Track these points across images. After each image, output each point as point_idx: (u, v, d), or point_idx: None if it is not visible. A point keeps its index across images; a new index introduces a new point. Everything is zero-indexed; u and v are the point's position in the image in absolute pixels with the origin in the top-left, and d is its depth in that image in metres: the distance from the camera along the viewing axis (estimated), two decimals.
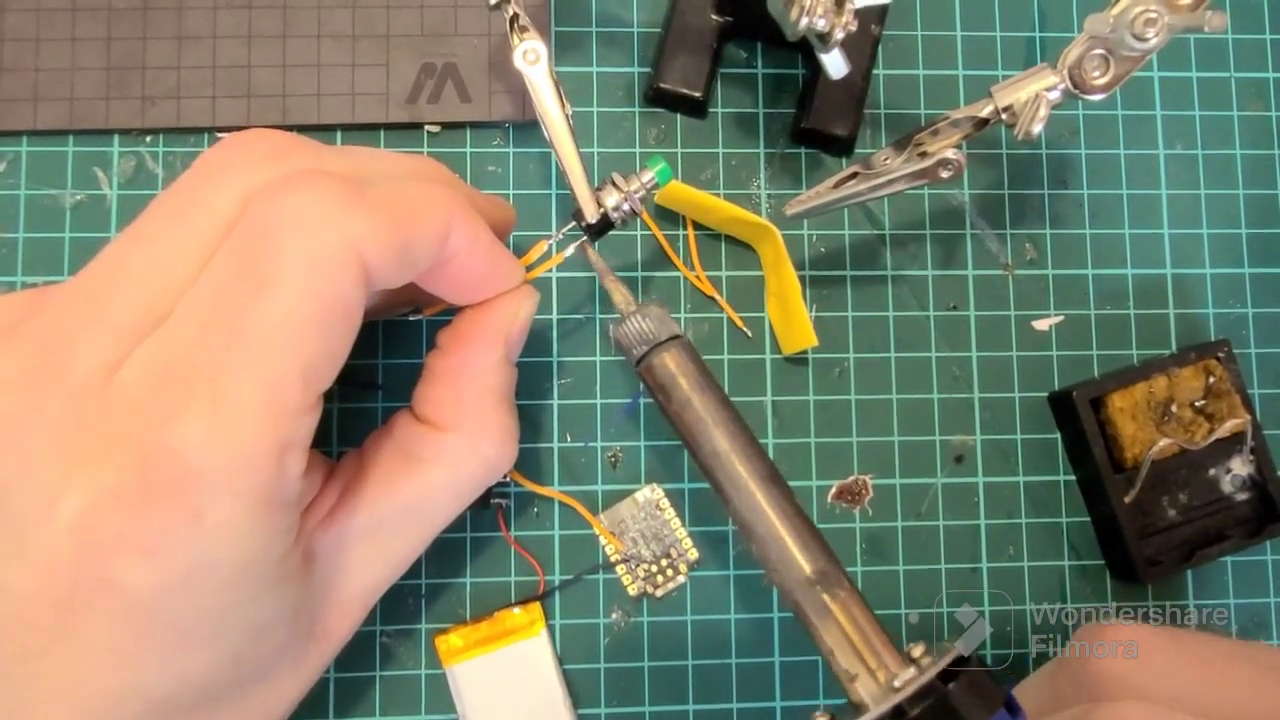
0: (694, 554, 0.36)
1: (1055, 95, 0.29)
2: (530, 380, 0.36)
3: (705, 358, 0.36)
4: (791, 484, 0.36)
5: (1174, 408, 0.36)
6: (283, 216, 0.22)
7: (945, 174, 0.30)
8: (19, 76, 0.35)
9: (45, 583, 0.21)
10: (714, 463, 0.27)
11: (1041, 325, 0.38)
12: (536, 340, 0.36)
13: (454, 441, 0.27)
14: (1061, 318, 0.38)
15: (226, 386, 0.21)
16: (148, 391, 0.21)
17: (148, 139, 0.36)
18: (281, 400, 0.22)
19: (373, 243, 0.22)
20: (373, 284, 0.23)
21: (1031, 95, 0.29)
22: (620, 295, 0.30)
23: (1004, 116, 0.30)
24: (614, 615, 0.36)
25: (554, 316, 0.37)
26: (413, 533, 0.28)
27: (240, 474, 0.21)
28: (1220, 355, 0.36)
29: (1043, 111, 0.29)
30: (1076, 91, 0.29)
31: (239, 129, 0.36)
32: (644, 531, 0.36)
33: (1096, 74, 0.29)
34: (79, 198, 0.36)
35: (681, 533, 0.36)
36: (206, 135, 0.36)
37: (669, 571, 0.36)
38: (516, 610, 0.35)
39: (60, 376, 0.22)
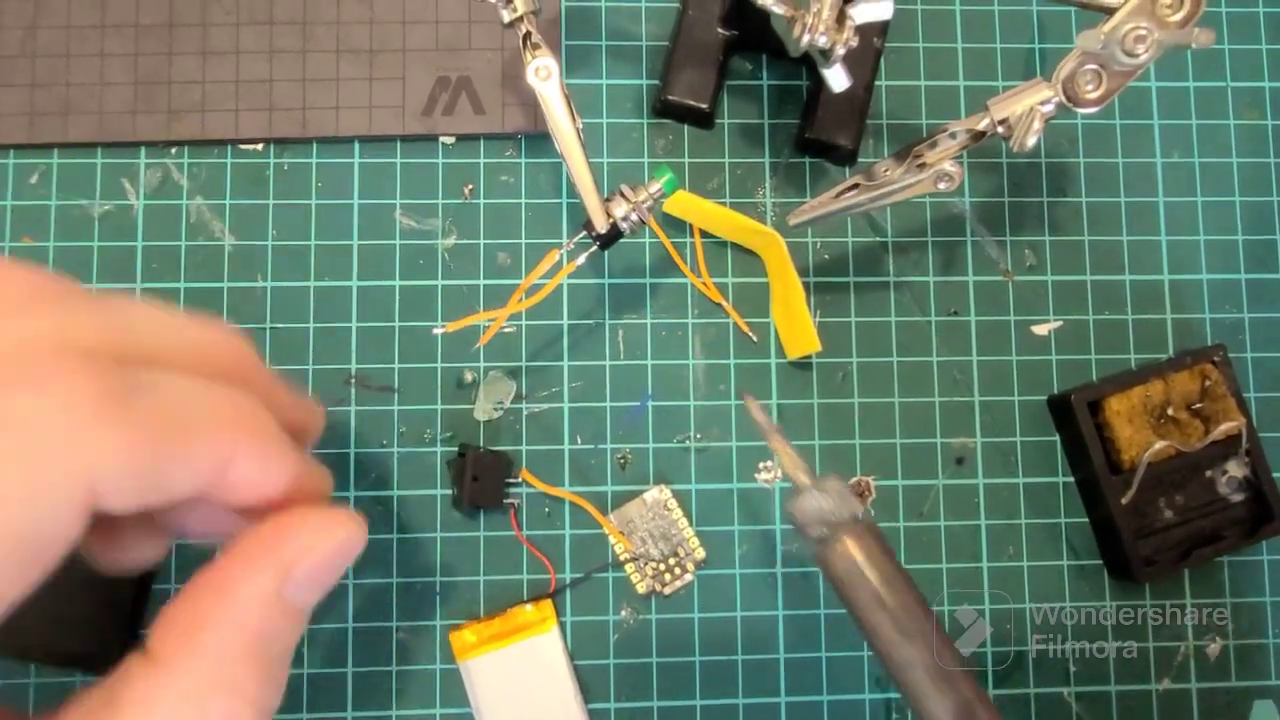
0: (701, 553, 0.37)
1: (1049, 109, 0.30)
2: (543, 384, 0.37)
3: (711, 362, 0.38)
4: None
5: (1170, 411, 0.37)
6: (11, 417, 0.16)
7: (942, 185, 0.31)
8: (50, 91, 0.37)
9: None
10: (901, 674, 0.26)
11: (1041, 330, 0.39)
12: (549, 346, 0.38)
13: (167, 684, 0.19)
14: (1060, 323, 0.39)
15: None
16: None
17: (173, 151, 0.38)
18: None
19: (113, 468, 0.17)
20: (105, 509, 0.18)
21: (1026, 109, 0.30)
22: (792, 461, 0.27)
23: (1000, 129, 0.31)
24: (623, 612, 0.37)
25: (565, 322, 0.38)
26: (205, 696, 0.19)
27: None
28: (1216, 359, 0.37)
29: (1037, 124, 0.30)
30: (1070, 105, 0.30)
31: (261, 140, 0.37)
32: (652, 531, 0.37)
33: (1089, 88, 0.30)
34: (107, 208, 0.37)
35: (689, 532, 0.37)
36: (229, 147, 0.38)
37: (676, 570, 0.37)
38: (529, 607, 0.36)
39: None
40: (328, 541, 0.21)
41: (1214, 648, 0.38)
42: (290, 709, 0.35)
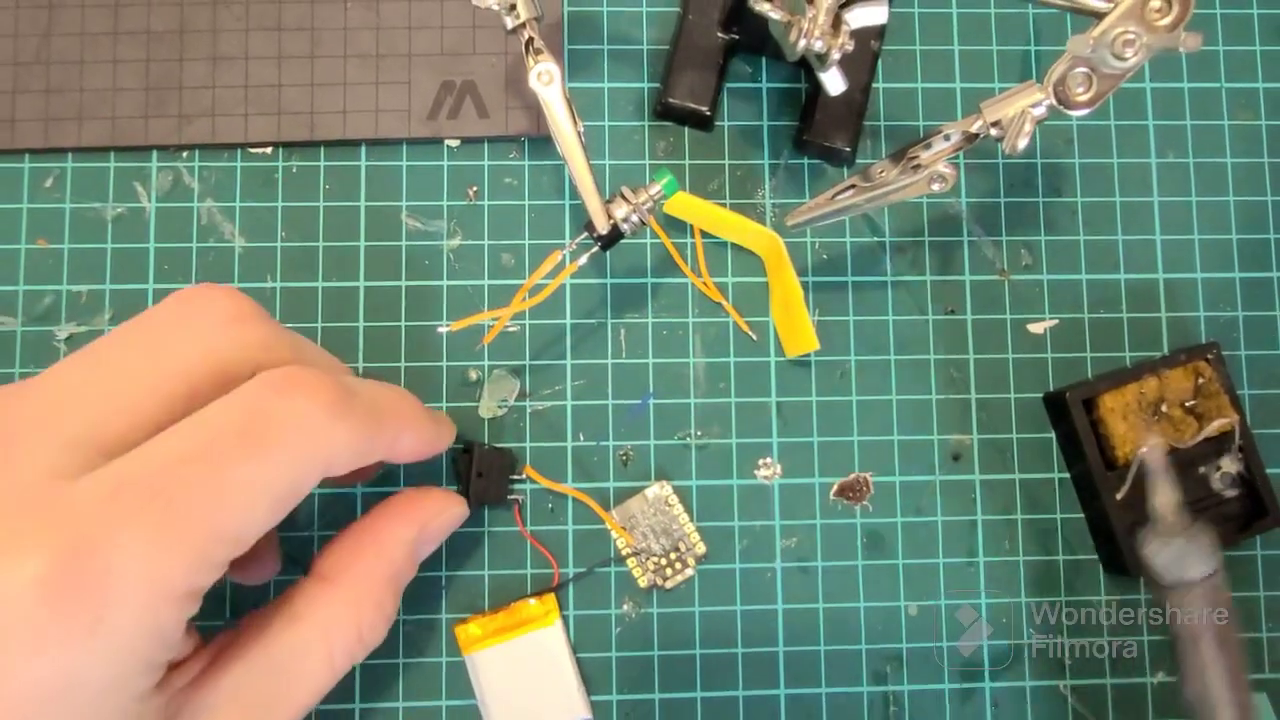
0: (701, 548, 0.37)
1: (1040, 111, 0.31)
2: (546, 383, 0.38)
3: (711, 360, 0.38)
4: (795, 481, 0.38)
5: (1164, 408, 0.37)
6: (289, 409, 0.24)
7: (936, 186, 0.32)
8: (65, 97, 0.38)
9: None
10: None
11: (1037, 329, 0.40)
12: (552, 345, 0.38)
13: (333, 595, 0.27)
14: (1056, 321, 0.40)
15: (178, 515, 0.22)
16: (99, 499, 0.21)
17: (184, 154, 0.38)
18: (215, 549, 0.22)
19: (345, 449, 0.25)
20: (330, 475, 0.25)
21: (1018, 111, 0.30)
22: (1168, 502, 0.29)
23: (993, 131, 0.31)
24: (625, 606, 0.37)
25: (567, 321, 0.38)
26: (280, 701, 0.26)
27: (149, 599, 0.21)
28: (1209, 357, 0.38)
29: (1028, 127, 0.30)
30: (1061, 107, 0.30)
31: (270, 144, 0.38)
32: (653, 526, 0.37)
33: (1080, 90, 0.30)
34: (120, 210, 0.38)
35: (690, 527, 0.37)
36: (239, 150, 0.38)
37: (677, 565, 0.37)
38: (532, 601, 0.36)
39: (9, 472, 0.22)
40: (448, 512, 0.31)
41: None
42: None
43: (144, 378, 0.24)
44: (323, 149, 0.39)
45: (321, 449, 0.24)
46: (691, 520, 0.37)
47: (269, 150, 0.39)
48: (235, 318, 0.25)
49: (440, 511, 0.31)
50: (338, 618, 0.27)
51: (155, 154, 0.38)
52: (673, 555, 0.37)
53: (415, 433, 0.28)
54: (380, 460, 0.29)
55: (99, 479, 0.22)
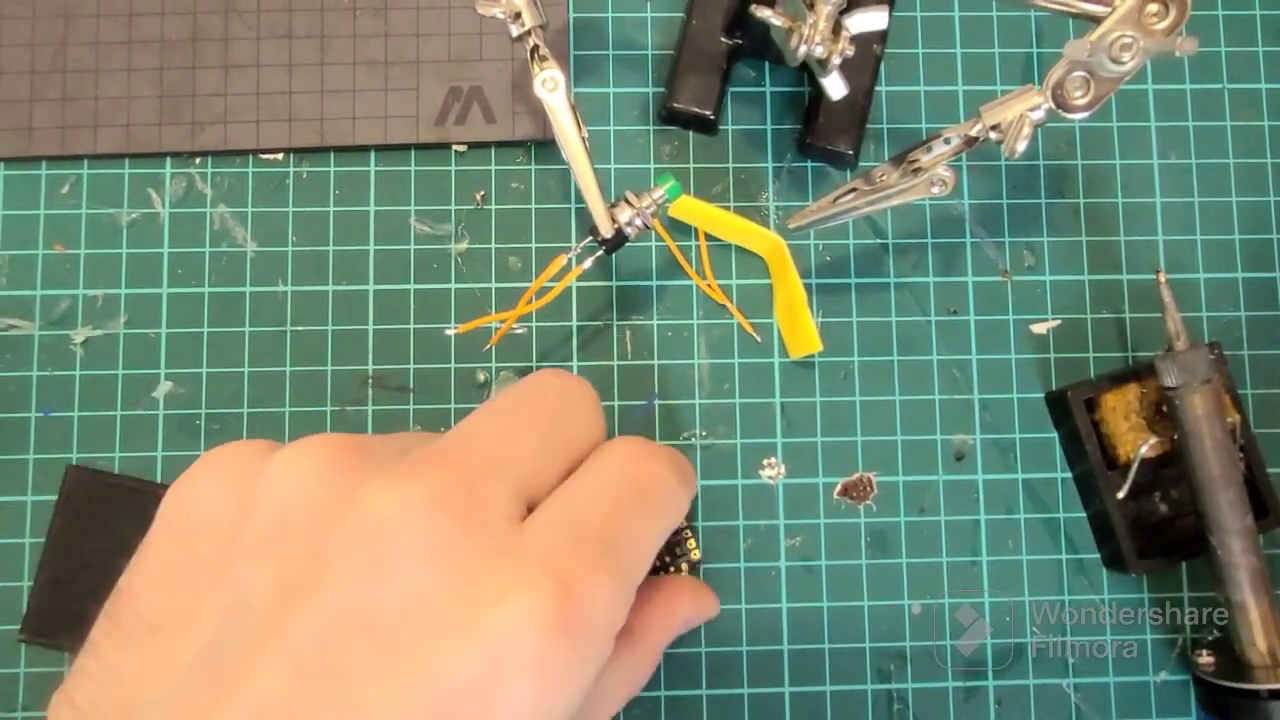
0: (696, 554, 0.37)
1: (1039, 115, 0.31)
2: None
3: (716, 362, 0.39)
4: (799, 481, 0.38)
5: (1165, 408, 0.37)
6: (657, 472, 0.26)
7: (936, 190, 0.32)
8: (80, 105, 0.38)
9: (433, 703, 0.21)
10: (1212, 499, 0.35)
11: (1039, 329, 0.40)
12: (558, 347, 0.39)
13: (637, 654, 0.30)
14: (1058, 322, 0.40)
15: (625, 565, 0.24)
16: (566, 542, 0.23)
17: (197, 161, 0.39)
18: (635, 586, 0.24)
19: (686, 509, 0.27)
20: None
21: (1017, 115, 0.31)
22: (1176, 323, 0.36)
23: (992, 135, 0.32)
24: None
25: (573, 323, 0.39)
26: (645, 667, 0.30)
27: (609, 643, 0.23)
28: (1212, 356, 0.38)
29: (1026, 130, 0.30)
30: (1059, 111, 0.31)
31: (281, 150, 0.39)
32: None
33: (1078, 94, 0.30)
34: (134, 216, 0.39)
35: (687, 532, 0.37)
36: (251, 157, 0.39)
37: (671, 571, 0.37)
38: None
39: (481, 511, 0.23)
40: (712, 612, 0.33)
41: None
42: None
43: (551, 445, 0.26)
44: (333, 155, 0.39)
45: (682, 506, 0.27)
46: (690, 526, 0.38)
47: (280, 156, 0.39)
48: (596, 402, 0.28)
49: (710, 609, 0.33)
50: (636, 669, 0.29)
51: (169, 160, 0.39)
52: (667, 559, 0.37)
53: (691, 604, 0.32)
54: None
55: (558, 527, 0.23)
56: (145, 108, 0.39)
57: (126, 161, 0.39)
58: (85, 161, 0.39)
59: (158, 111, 0.39)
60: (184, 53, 0.39)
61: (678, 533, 0.37)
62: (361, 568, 0.21)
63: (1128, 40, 0.29)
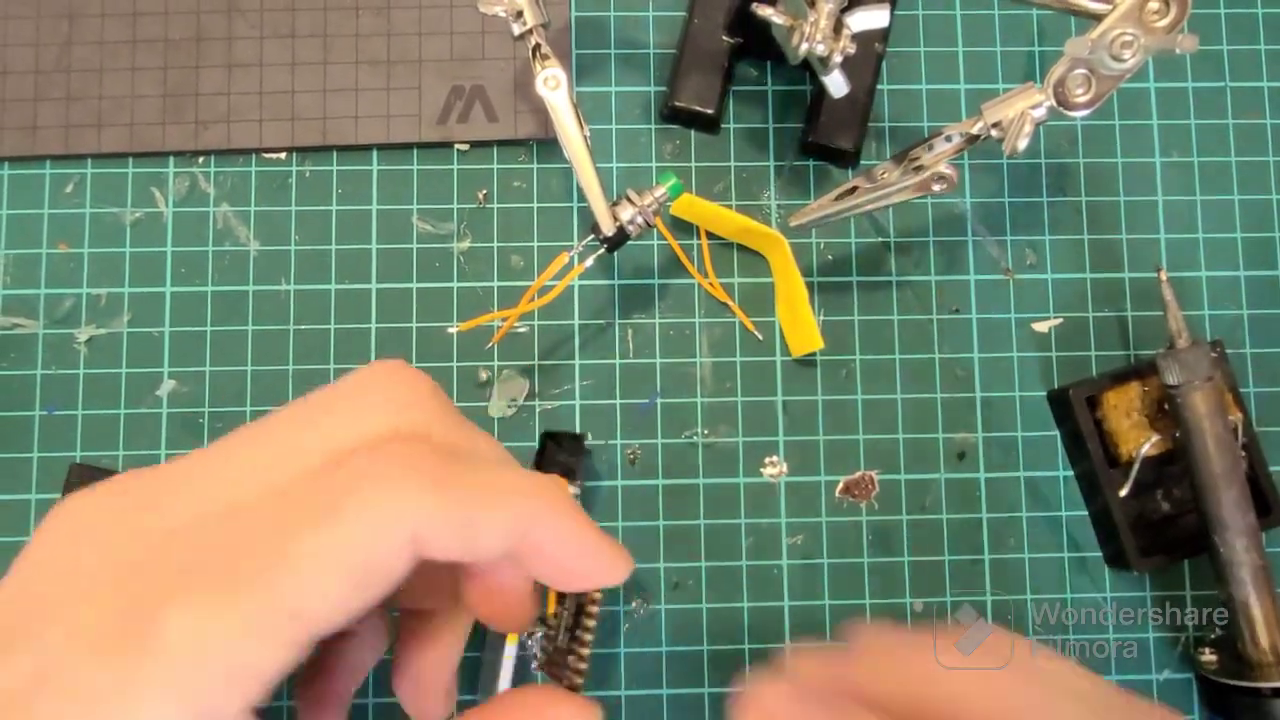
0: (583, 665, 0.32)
1: (1040, 113, 0.31)
2: (555, 382, 0.39)
3: (718, 360, 0.39)
4: (801, 479, 0.38)
5: (1167, 405, 0.37)
6: (371, 474, 0.22)
7: (938, 187, 0.32)
8: (84, 105, 0.39)
9: None
10: (1212, 496, 0.35)
11: (1041, 327, 0.40)
12: (560, 345, 0.39)
13: None
14: (1060, 320, 0.40)
15: (239, 581, 0.21)
16: (168, 560, 0.21)
17: (200, 160, 0.39)
18: (276, 620, 0.20)
19: (437, 523, 0.22)
20: (427, 556, 0.22)
21: (1018, 112, 0.31)
22: (1178, 322, 0.36)
23: (994, 132, 0.32)
24: (634, 603, 0.38)
25: (575, 322, 0.39)
26: None
27: (192, 660, 0.20)
28: (1214, 354, 0.38)
29: (1028, 128, 0.31)
30: (1061, 109, 0.31)
31: (284, 149, 0.39)
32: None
33: (1079, 92, 0.30)
34: (138, 215, 0.39)
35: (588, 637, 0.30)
36: (254, 156, 0.39)
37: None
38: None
39: (147, 524, 0.22)
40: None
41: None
42: None
43: (307, 446, 0.23)
44: (335, 154, 0.39)
45: (404, 518, 0.21)
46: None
47: (283, 155, 0.39)
48: (403, 405, 0.24)
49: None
50: None
51: (172, 160, 0.39)
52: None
53: (554, 531, 0.23)
54: (516, 563, 0.24)
55: (199, 534, 0.22)
56: (148, 107, 0.39)
57: (130, 161, 0.39)
58: (89, 161, 0.39)
59: (161, 111, 0.39)
60: (187, 52, 0.39)
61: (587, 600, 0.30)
62: None
63: (1129, 38, 0.29)
